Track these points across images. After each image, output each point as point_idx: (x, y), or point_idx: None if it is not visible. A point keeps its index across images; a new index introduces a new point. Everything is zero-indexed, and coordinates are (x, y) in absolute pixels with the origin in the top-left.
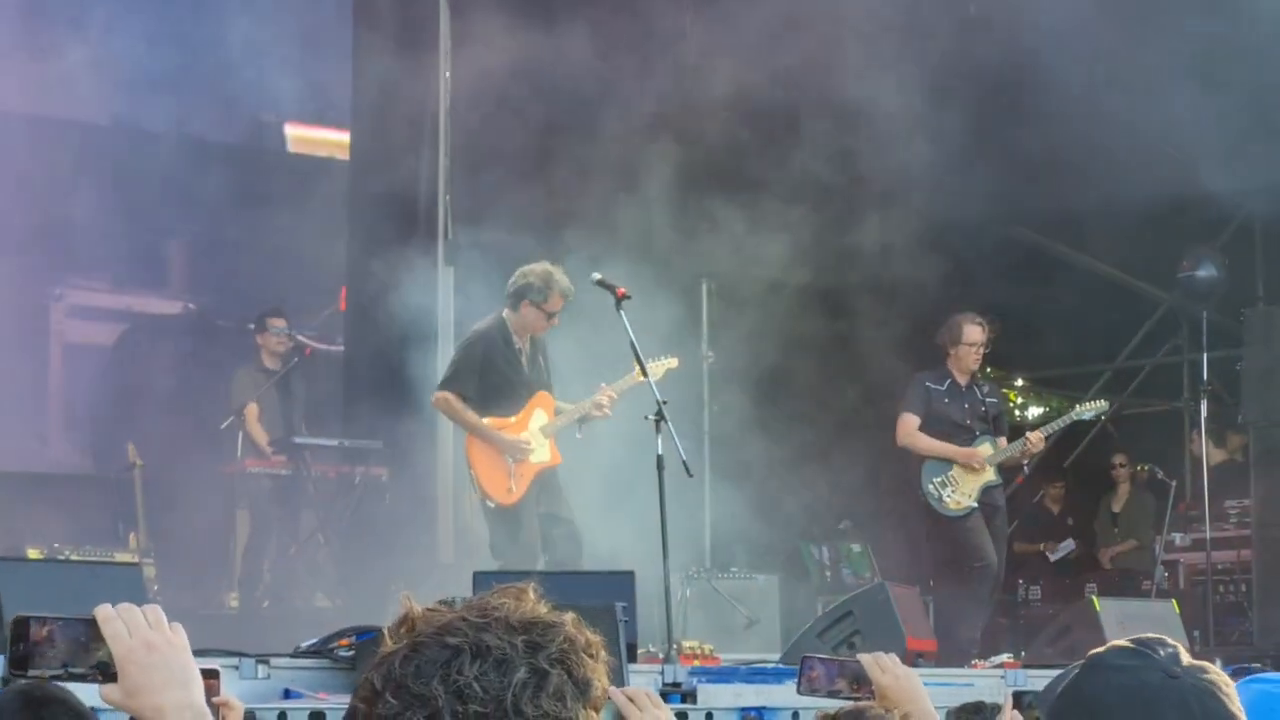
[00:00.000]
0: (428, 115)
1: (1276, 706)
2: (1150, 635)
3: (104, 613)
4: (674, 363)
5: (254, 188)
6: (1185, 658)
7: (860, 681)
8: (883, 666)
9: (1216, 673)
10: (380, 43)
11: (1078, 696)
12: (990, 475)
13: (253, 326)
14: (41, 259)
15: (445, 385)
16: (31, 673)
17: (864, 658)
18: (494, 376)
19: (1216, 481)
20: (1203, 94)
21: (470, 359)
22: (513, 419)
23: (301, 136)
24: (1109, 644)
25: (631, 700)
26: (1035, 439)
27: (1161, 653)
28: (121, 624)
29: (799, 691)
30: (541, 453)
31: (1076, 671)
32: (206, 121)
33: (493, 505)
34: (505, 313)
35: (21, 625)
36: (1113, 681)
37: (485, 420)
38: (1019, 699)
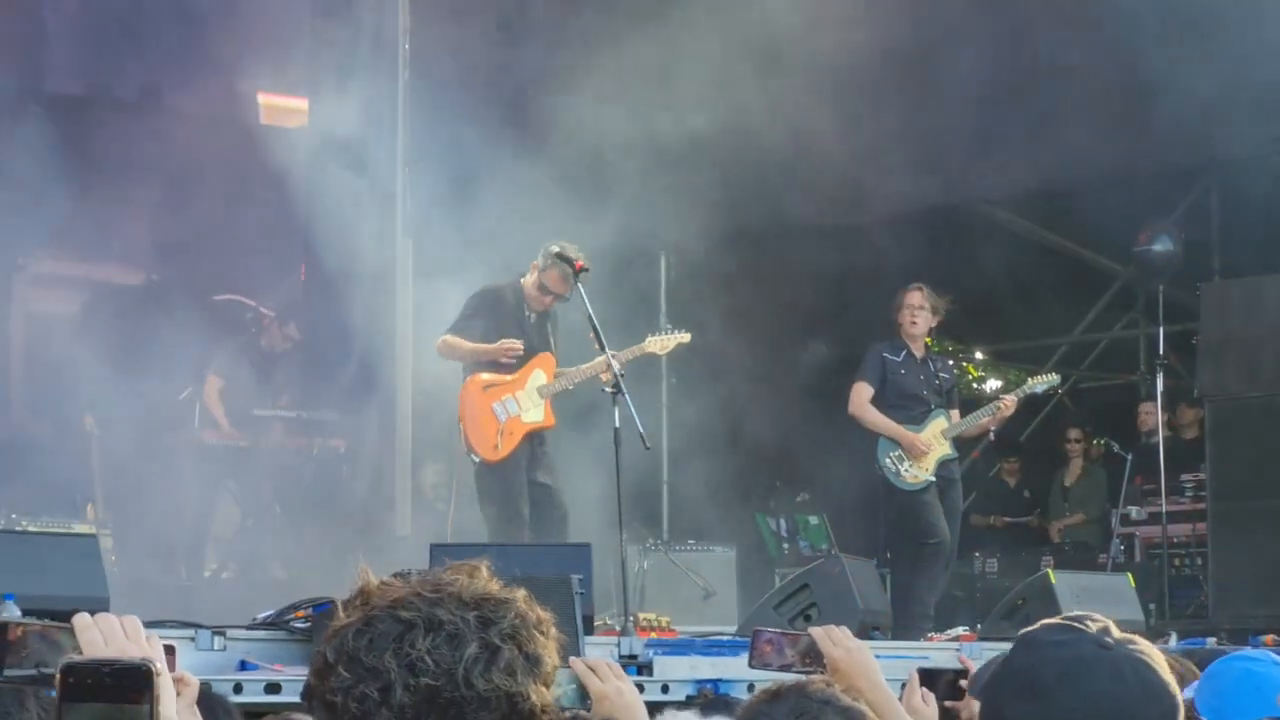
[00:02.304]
0: (385, 84)
1: (1262, 684)
2: (1079, 613)
3: (81, 621)
4: (686, 337)
5: (218, 158)
6: (1115, 631)
7: (812, 655)
8: (834, 640)
9: (1146, 644)
10: (339, 12)
11: (1013, 672)
12: (947, 449)
13: (274, 313)
14: (4, 229)
15: (447, 330)
16: (6, 673)
17: (815, 631)
18: (496, 333)
19: (1172, 455)
20: (1161, 68)
21: (473, 307)
22: (510, 376)
23: (273, 105)
24: (1039, 623)
25: (593, 670)
26: (1009, 402)
27: (1092, 627)
28: (98, 633)
29: (750, 665)
30: (535, 413)
31: (1010, 650)
32: (173, 91)
33: (478, 460)
34: (523, 279)
35: (1, 630)
36: (1047, 655)
37: (484, 377)
38: (930, 676)
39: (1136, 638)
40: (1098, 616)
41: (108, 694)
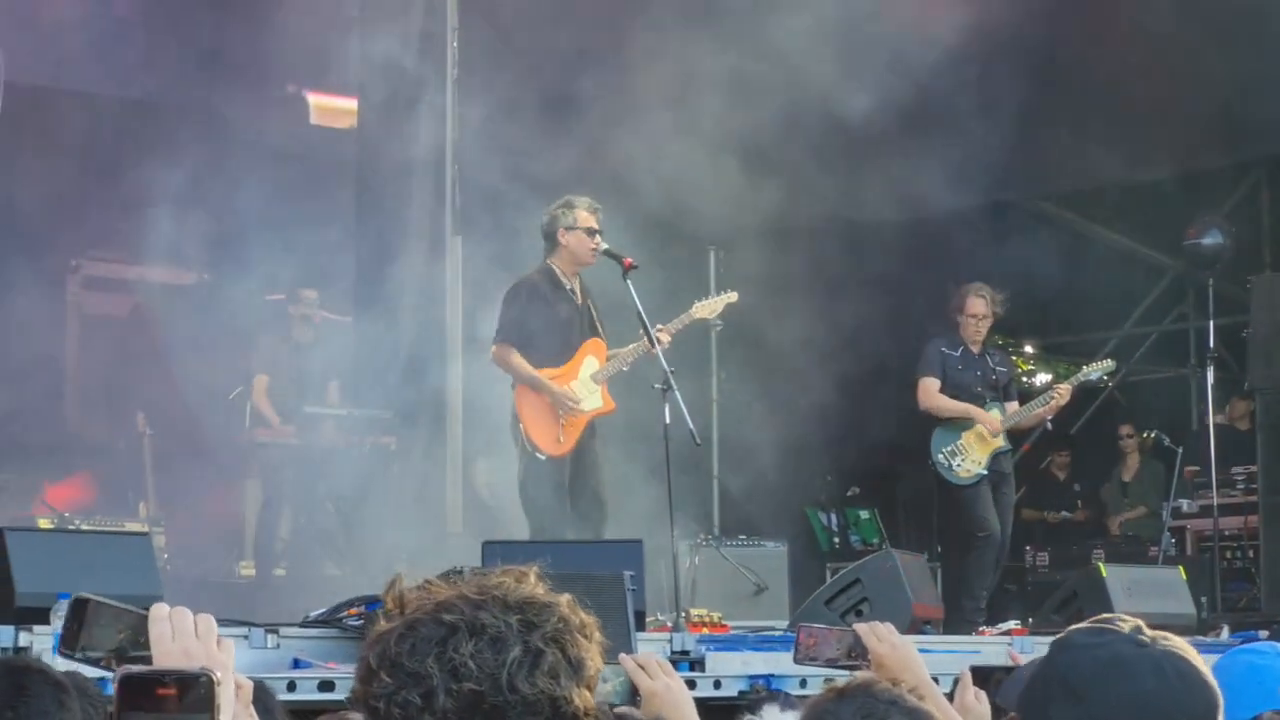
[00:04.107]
0: (434, 83)
1: (1266, 678)
2: (1108, 615)
3: (157, 612)
4: (733, 297)
5: (269, 158)
6: (1147, 629)
7: (857, 650)
8: (879, 635)
9: (1179, 640)
10: (388, 12)
11: (1052, 676)
12: (1001, 442)
13: (284, 297)
14: (58, 231)
15: (497, 338)
16: (78, 654)
17: (860, 627)
18: (545, 320)
19: (1223, 448)
20: (1212, 62)
21: (515, 307)
22: (563, 368)
23: (322, 105)
24: (1071, 628)
25: (642, 667)
26: (1064, 391)
27: (1124, 626)
28: (168, 626)
29: (795, 661)
30: (593, 400)
31: (1045, 655)
32: (225, 93)
33: (544, 458)
34: (548, 259)
35: (80, 606)
36: (1085, 656)
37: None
38: (982, 674)
39: (1169, 634)
40: (1126, 617)
41: (166, 705)
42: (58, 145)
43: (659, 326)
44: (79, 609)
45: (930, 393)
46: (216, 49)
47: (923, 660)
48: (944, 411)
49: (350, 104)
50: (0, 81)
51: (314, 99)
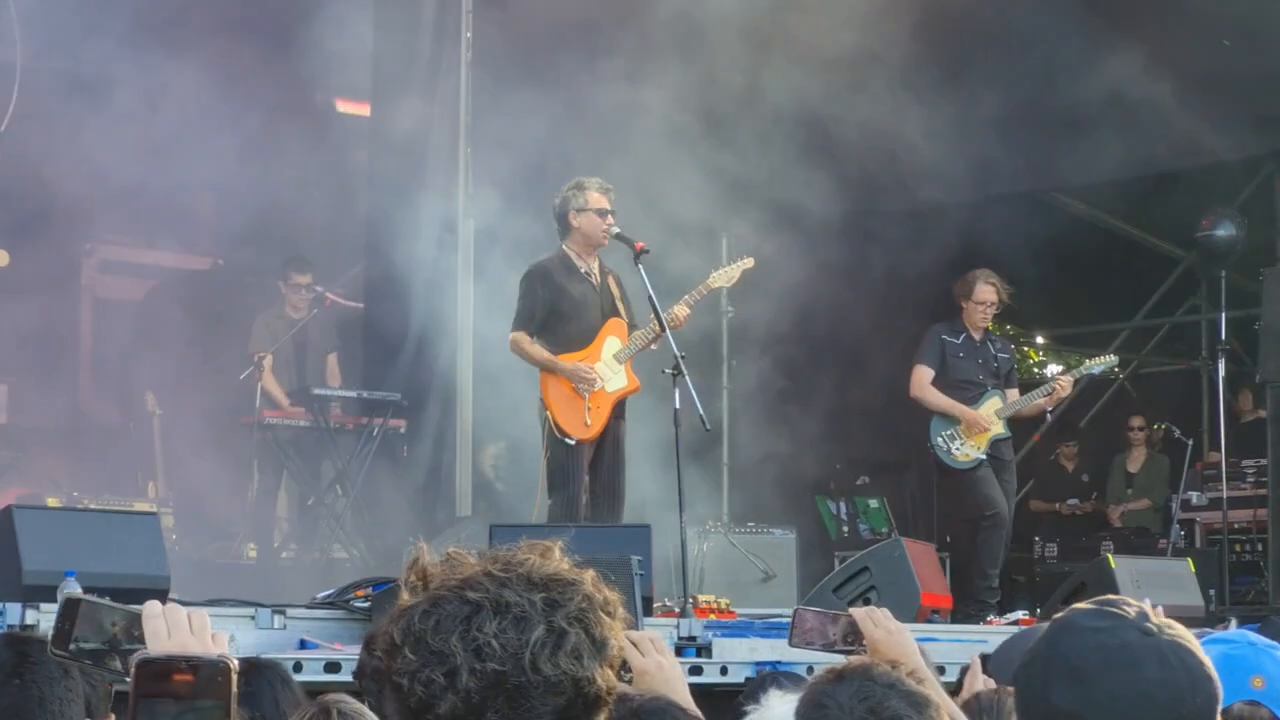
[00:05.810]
0: (448, 67)
1: (1235, 668)
2: (1112, 596)
3: (151, 609)
4: (749, 263)
5: (284, 143)
6: (1153, 615)
7: (853, 635)
8: (875, 620)
9: (1183, 629)
10: (402, 3)
11: (1054, 657)
12: (1000, 429)
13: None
14: (73, 214)
15: (514, 326)
16: (71, 649)
17: (856, 612)
18: (562, 305)
19: (1234, 441)
20: (1225, 56)
21: (530, 294)
22: (585, 351)
23: (347, 111)
24: (1073, 607)
25: (635, 644)
26: (1065, 383)
27: (1131, 612)
28: (163, 623)
29: (791, 644)
30: (617, 380)
31: (1045, 634)
32: (241, 79)
33: (572, 443)
34: (562, 243)
35: (72, 606)
36: (1090, 641)
37: (560, 357)
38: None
39: (1173, 622)
40: (1131, 600)
41: (182, 690)
42: (72, 128)
43: (685, 298)
44: (70, 608)
45: (921, 383)
46: (231, 40)
47: (918, 647)
48: (930, 405)
49: (364, 108)
50: (17, 68)
51: (342, 105)
